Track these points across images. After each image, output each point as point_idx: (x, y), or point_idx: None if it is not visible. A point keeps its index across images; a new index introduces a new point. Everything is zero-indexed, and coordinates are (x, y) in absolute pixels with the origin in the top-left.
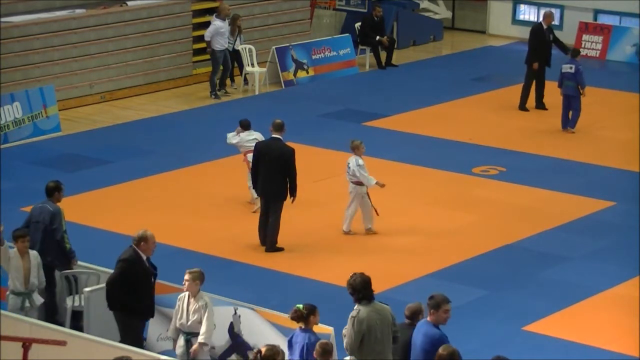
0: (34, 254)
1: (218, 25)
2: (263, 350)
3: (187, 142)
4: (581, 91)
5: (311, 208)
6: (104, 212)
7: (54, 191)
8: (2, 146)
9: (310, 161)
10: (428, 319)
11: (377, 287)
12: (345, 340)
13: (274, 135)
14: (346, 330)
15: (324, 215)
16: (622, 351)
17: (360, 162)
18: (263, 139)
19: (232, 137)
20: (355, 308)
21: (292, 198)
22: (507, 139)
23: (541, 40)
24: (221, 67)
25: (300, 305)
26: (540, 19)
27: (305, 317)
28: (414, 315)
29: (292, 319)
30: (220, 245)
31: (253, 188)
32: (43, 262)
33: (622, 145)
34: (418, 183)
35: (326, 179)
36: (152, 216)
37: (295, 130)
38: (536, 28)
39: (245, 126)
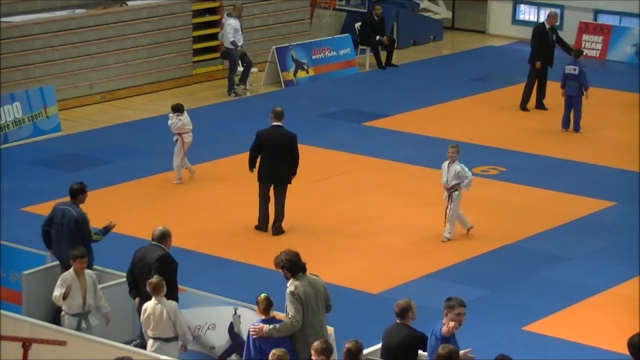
0: (89, 273)
1: (233, 22)
2: (349, 345)
3: None
4: (584, 92)
5: (311, 208)
6: (104, 212)
7: (77, 194)
8: (2, 146)
9: (310, 161)
10: (443, 321)
11: (377, 287)
12: (292, 322)
13: (275, 123)
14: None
15: (324, 215)
16: (622, 351)
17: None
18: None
19: (177, 121)
20: (290, 283)
21: (292, 176)
22: (507, 139)
23: (544, 40)
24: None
25: (265, 295)
26: (542, 19)
27: (271, 306)
28: (403, 312)
29: (264, 309)
30: (220, 245)
31: (251, 169)
32: (62, 263)
33: (622, 145)
34: (418, 183)
35: (326, 179)
36: (151, 216)
37: (295, 130)
38: (539, 28)
39: (181, 109)
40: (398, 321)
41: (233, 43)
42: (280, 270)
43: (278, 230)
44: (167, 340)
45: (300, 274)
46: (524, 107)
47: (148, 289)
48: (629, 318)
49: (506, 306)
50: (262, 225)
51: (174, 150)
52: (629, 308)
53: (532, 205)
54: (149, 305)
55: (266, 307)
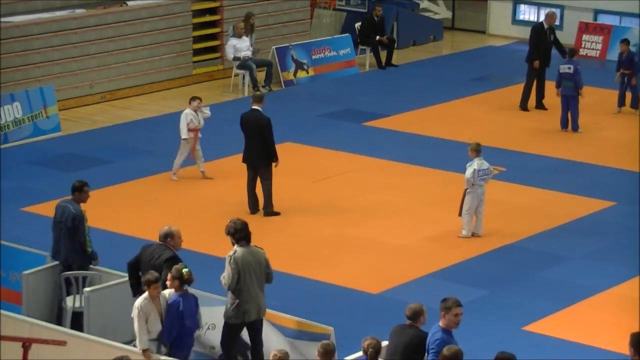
0: (162, 294)
1: (233, 41)
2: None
3: None
4: (579, 92)
5: (311, 208)
6: (104, 212)
7: (74, 191)
8: (2, 146)
9: (310, 161)
10: (440, 323)
11: (377, 287)
12: (223, 281)
13: (253, 107)
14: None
15: (324, 215)
16: (622, 351)
17: (473, 166)
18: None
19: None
20: (233, 249)
21: (275, 163)
22: (507, 138)
23: (542, 40)
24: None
25: (188, 270)
26: (542, 18)
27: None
28: (415, 316)
29: (182, 283)
30: (220, 245)
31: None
32: (60, 261)
33: (622, 145)
34: (418, 183)
35: (326, 179)
36: (152, 216)
37: (295, 130)
38: (537, 27)
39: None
40: (408, 322)
41: (241, 64)
42: (231, 238)
43: (267, 213)
44: None
45: (243, 242)
46: (524, 107)
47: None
48: (629, 318)
49: (506, 306)
50: (250, 209)
51: (183, 148)
52: (629, 308)
53: (532, 205)
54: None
55: (186, 280)
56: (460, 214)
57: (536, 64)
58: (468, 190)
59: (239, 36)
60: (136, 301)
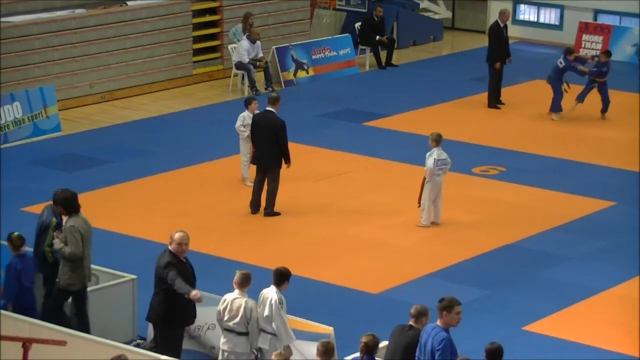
0: (262, 294)
1: (245, 44)
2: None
3: (187, 142)
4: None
5: (311, 208)
6: (104, 212)
7: (55, 201)
8: (2, 146)
9: (310, 161)
10: (438, 322)
11: (377, 287)
12: (69, 250)
13: (267, 108)
14: (59, 241)
15: (324, 215)
16: (622, 351)
17: (433, 156)
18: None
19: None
20: (68, 219)
21: (287, 165)
22: (507, 139)
23: (499, 38)
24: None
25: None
26: (542, 19)
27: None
28: (419, 315)
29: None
30: (220, 245)
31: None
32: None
33: (622, 145)
34: (418, 183)
35: (326, 179)
36: (152, 216)
37: (295, 130)
38: (494, 26)
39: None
40: (411, 323)
41: (239, 64)
42: (56, 207)
43: (268, 213)
44: (239, 334)
45: (74, 214)
46: (497, 103)
47: (235, 279)
48: (629, 318)
49: (506, 306)
50: (252, 209)
51: (245, 149)
52: (629, 308)
53: (532, 205)
54: (229, 296)
55: (22, 244)
56: (419, 204)
57: (497, 65)
58: (427, 180)
59: (254, 41)
60: (270, 297)
